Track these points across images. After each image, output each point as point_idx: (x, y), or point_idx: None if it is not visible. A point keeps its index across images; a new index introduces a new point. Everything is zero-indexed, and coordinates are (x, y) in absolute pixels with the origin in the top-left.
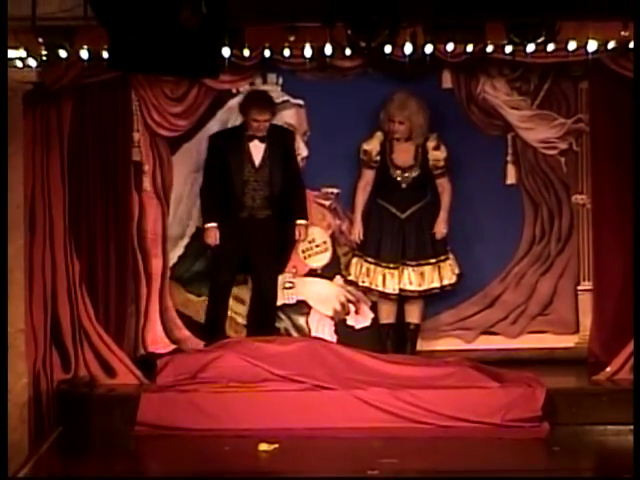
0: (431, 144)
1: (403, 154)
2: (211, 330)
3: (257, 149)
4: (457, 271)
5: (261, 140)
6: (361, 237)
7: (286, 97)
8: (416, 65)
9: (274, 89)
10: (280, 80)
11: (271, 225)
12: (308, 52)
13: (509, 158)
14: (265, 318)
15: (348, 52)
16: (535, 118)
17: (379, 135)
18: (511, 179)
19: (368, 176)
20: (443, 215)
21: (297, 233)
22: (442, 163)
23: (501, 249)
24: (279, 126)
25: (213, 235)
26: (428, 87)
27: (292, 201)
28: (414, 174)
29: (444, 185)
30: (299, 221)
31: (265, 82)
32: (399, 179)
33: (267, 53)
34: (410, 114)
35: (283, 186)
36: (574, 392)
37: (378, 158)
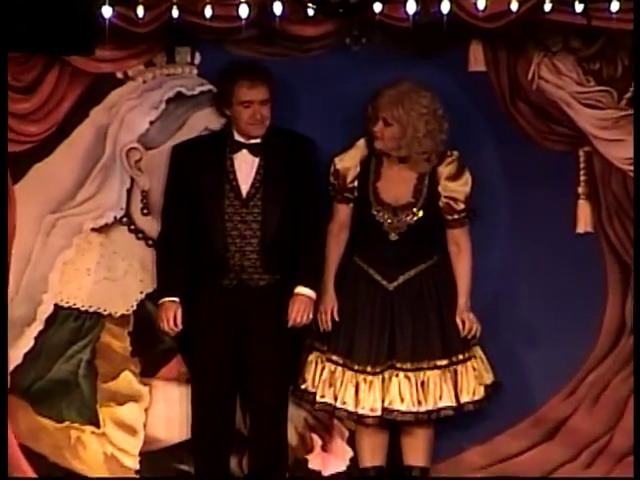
0: (446, 170)
1: (396, 184)
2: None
3: (246, 166)
4: (489, 379)
5: (253, 151)
6: (335, 317)
7: (206, 86)
8: (426, 34)
9: (185, 72)
10: (197, 58)
11: (275, 299)
12: (244, 11)
13: (581, 189)
14: (269, 467)
15: (311, 12)
16: (625, 123)
17: (360, 146)
18: (584, 224)
19: (343, 214)
20: (463, 300)
21: (290, 309)
22: (462, 205)
23: (567, 342)
24: (284, 130)
25: (170, 315)
26: (446, 70)
27: (300, 257)
28: (413, 218)
29: (461, 241)
30: (298, 289)
31: (172, 60)
32: (387, 225)
33: (175, 13)
34: (407, 114)
35: (282, 230)
36: None
37: (355, 184)
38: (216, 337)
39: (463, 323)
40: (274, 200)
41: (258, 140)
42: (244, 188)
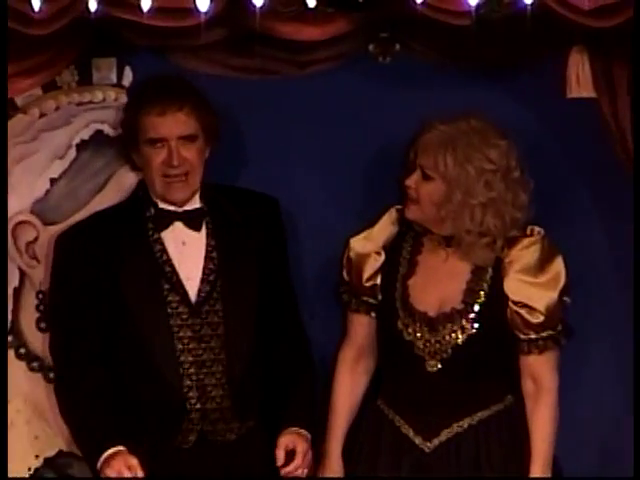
0: (520, 257)
1: (438, 281)
2: None
3: (187, 250)
4: None
5: (193, 223)
6: None
7: None
8: (497, 38)
9: (109, 98)
10: (127, 75)
11: (251, 461)
12: (204, 4)
13: None
14: None
15: (312, 3)
16: None
17: (390, 219)
18: None
19: (362, 331)
20: (538, 469)
21: (278, 451)
22: (541, 317)
23: None
24: (231, 188)
25: (122, 460)
26: (528, 96)
27: (284, 379)
28: (461, 336)
29: (542, 375)
30: (292, 428)
31: (87, 80)
32: (421, 348)
33: (93, 5)
34: (460, 166)
35: (258, 350)
36: None
37: (378, 282)
38: None
39: None
40: (242, 300)
41: (197, 204)
42: (191, 285)
